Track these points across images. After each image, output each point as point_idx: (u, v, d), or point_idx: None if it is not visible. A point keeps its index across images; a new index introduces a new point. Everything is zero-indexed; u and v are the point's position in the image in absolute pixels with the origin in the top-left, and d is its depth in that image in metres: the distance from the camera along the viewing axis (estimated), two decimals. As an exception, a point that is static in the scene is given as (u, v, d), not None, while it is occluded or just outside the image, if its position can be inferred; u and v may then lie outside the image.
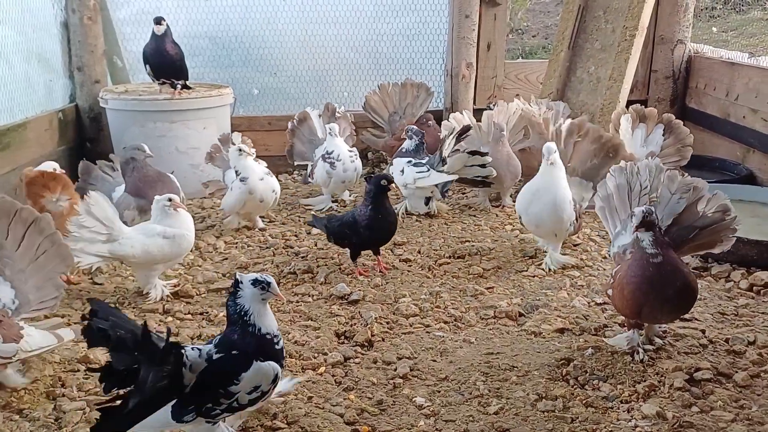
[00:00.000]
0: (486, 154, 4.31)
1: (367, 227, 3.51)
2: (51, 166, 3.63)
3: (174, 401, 2.05)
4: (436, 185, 4.37)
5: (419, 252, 3.87)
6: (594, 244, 3.98)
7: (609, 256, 3.41)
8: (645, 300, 2.57)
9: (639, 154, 4.42)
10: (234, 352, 2.11)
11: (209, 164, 4.43)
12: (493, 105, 5.08)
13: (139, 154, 3.77)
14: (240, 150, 4.03)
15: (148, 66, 4.67)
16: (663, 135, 4.46)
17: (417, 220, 4.41)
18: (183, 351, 2.05)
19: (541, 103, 5.04)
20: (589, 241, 4.03)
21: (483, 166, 4.31)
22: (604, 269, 3.63)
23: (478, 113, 4.98)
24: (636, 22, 4.95)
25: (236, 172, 4.06)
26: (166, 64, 4.65)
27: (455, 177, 4.31)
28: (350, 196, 4.82)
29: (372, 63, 5.78)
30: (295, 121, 4.87)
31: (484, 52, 5.72)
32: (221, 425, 2.19)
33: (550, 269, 3.58)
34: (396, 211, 3.82)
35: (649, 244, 2.52)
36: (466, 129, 4.32)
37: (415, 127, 4.63)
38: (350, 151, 4.60)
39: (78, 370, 2.65)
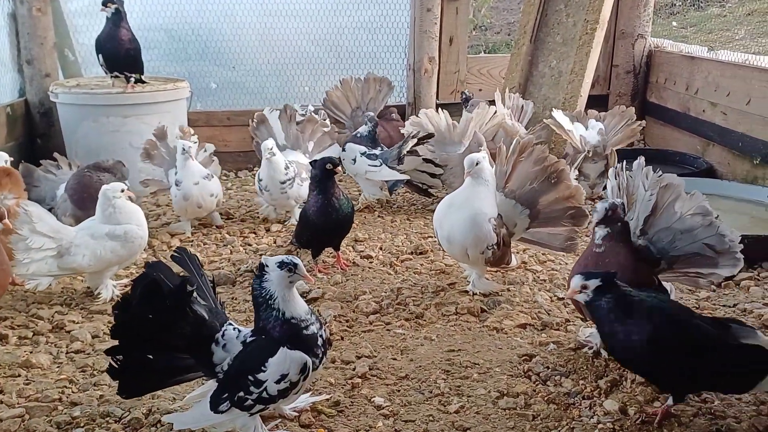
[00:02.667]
0: (440, 166, 4.30)
1: (317, 214, 3.36)
2: (2, 158, 3.48)
3: (213, 390, 2.07)
4: (386, 181, 4.36)
5: (381, 248, 3.80)
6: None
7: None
8: None
9: (588, 136, 4.52)
10: (263, 337, 2.07)
11: (147, 163, 4.08)
12: (470, 105, 4.94)
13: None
14: (183, 149, 3.83)
15: (101, 56, 4.45)
16: (600, 121, 4.61)
17: (379, 216, 4.34)
18: (195, 299, 2.05)
19: (528, 104, 4.96)
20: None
21: (433, 176, 4.33)
22: (566, 263, 3.61)
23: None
24: (597, 16, 4.98)
25: (175, 170, 3.92)
26: (119, 54, 4.41)
27: (405, 178, 4.29)
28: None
29: (333, 57, 5.69)
30: (253, 123, 4.58)
31: (447, 47, 5.67)
32: (257, 420, 2.12)
33: (474, 294, 3.23)
34: (357, 204, 3.70)
35: (599, 237, 2.51)
36: (428, 136, 4.26)
37: (371, 114, 4.58)
38: (283, 183, 3.95)
39: (19, 375, 2.52)
